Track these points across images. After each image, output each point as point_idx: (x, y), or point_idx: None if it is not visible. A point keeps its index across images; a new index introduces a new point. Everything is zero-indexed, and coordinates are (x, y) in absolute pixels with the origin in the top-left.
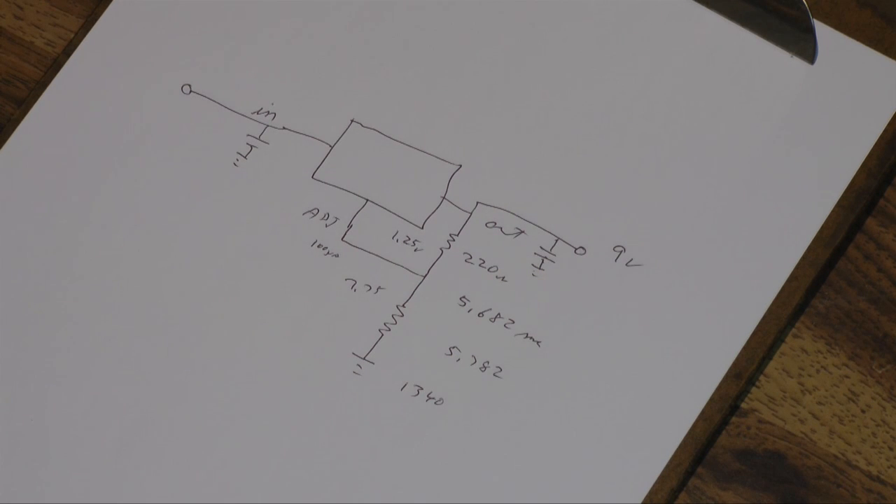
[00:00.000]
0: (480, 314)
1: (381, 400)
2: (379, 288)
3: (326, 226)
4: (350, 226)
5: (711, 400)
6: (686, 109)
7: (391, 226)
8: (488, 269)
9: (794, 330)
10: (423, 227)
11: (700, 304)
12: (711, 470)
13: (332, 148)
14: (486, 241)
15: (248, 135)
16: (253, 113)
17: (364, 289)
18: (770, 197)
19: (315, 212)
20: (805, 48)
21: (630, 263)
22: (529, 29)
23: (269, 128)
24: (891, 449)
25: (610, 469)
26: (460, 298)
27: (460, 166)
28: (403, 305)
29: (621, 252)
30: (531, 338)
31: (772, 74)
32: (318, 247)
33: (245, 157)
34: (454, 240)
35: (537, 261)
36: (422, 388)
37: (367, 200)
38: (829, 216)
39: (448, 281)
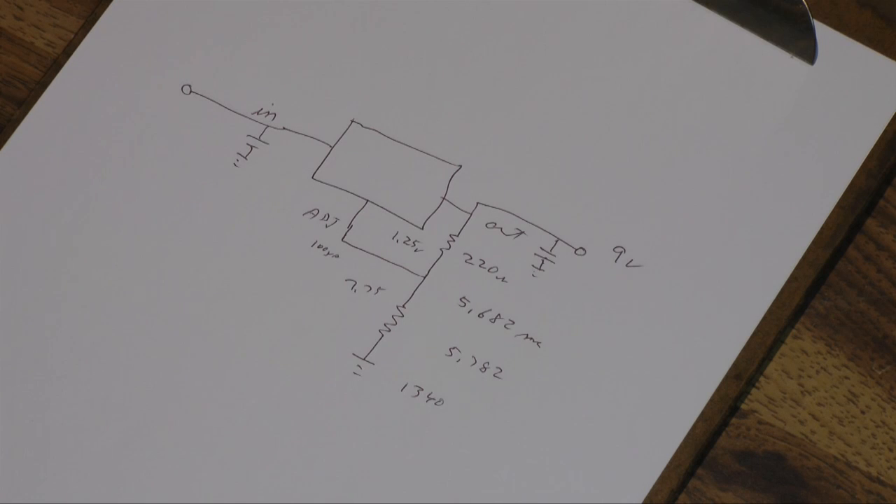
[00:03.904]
0: (480, 315)
1: (382, 401)
2: (379, 288)
3: (326, 226)
4: (350, 226)
5: (711, 401)
6: (686, 110)
7: (391, 226)
8: (488, 270)
9: (793, 331)
10: (423, 228)
11: (700, 304)
12: (711, 471)
13: (332, 148)
14: (486, 241)
15: (248, 135)
16: (253, 113)
17: (364, 289)
18: (770, 197)
19: (315, 212)
20: (805, 48)
21: (630, 264)
22: (529, 29)
23: (269, 128)
24: (890, 450)
25: (610, 469)
26: (460, 299)
27: (460, 166)
28: (403, 306)
29: (621, 253)
30: (531, 338)
31: (772, 74)
32: (318, 247)
33: (245, 158)
34: (454, 240)
35: (537, 261)
36: (422, 389)
37: (367, 201)
38: (829, 217)
39: (448, 281)
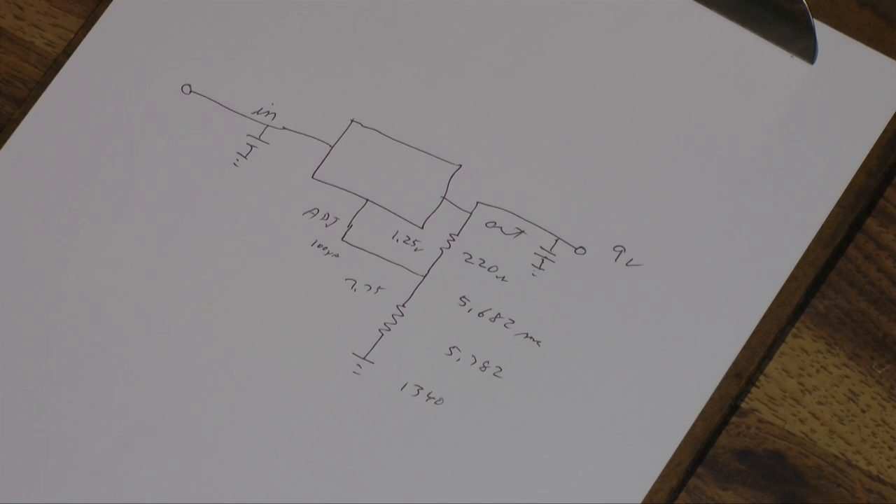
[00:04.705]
0: (480, 314)
1: (381, 400)
2: (379, 288)
3: (326, 226)
4: (350, 226)
5: (711, 400)
6: (686, 109)
7: (391, 226)
8: (488, 269)
9: (794, 330)
10: (423, 227)
11: (700, 304)
12: (711, 470)
13: (332, 148)
14: (486, 240)
15: (248, 135)
16: (253, 113)
17: (364, 289)
18: (770, 197)
19: (315, 212)
20: (805, 48)
21: (630, 263)
22: (529, 29)
23: (269, 128)
24: (891, 449)
25: (610, 469)
26: (460, 298)
27: (460, 166)
28: (403, 305)
29: (621, 252)
30: (531, 338)
31: (772, 74)
32: (318, 247)
33: (245, 157)
34: (454, 240)
35: (537, 261)
36: (422, 388)
37: (367, 200)
38: (829, 216)
39: (448, 281)
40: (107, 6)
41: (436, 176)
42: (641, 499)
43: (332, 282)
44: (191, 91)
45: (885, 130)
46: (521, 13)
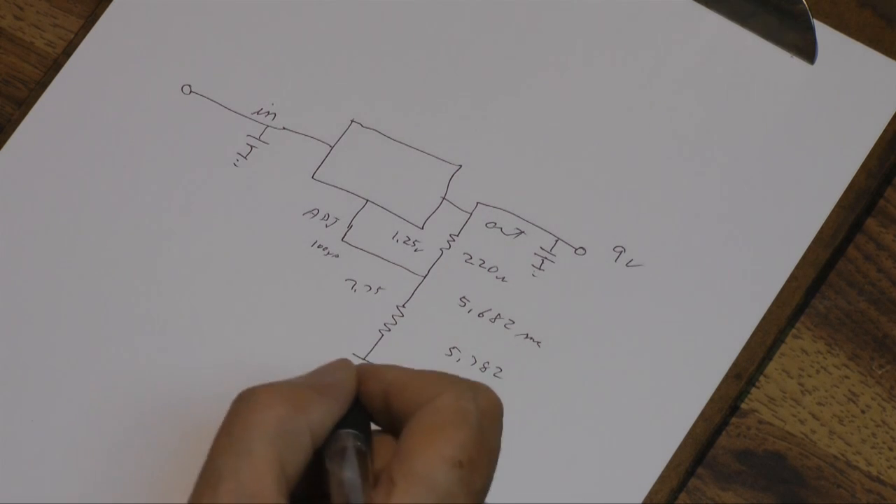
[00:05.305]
0: (480, 314)
1: None
2: (379, 288)
3: (326, 226)
4: (350, 226)
5: (711, 400)
6: (686, 110)
7: (391, 226)
8: (488, 270)
9: (794, 330)
10: (423, 228)
11: (700, 304)
12: (711, 470)
13: (332, 148)
14: (486, 241)
15: (248, 135)
16: (253, 113)
17: (364, 289)
18: (770, 197)
19: (315, 212)
20: (805, 48)
21: (630, 264)
22: (529, 29)
23: (269, 128)
24: (891, 449)
25: (610, 469)
26: (460, 299)
27: (460, 166)
28: (403, 306)
29: (621, 252)
30: (531, 338)
31: (772, 74)
32: (318, 247)
33: (245, 157)
34: (454, 240)
35: (537, 261)
36: None
37: (367, 200)
38: (829, 216)
39: (448, 281)
40: (107, 6)
41: (436, 176)
42: (641, 499)
43: (332, 282)
44: (191, 91)
45: (885, 130)
46: (521, 13)
